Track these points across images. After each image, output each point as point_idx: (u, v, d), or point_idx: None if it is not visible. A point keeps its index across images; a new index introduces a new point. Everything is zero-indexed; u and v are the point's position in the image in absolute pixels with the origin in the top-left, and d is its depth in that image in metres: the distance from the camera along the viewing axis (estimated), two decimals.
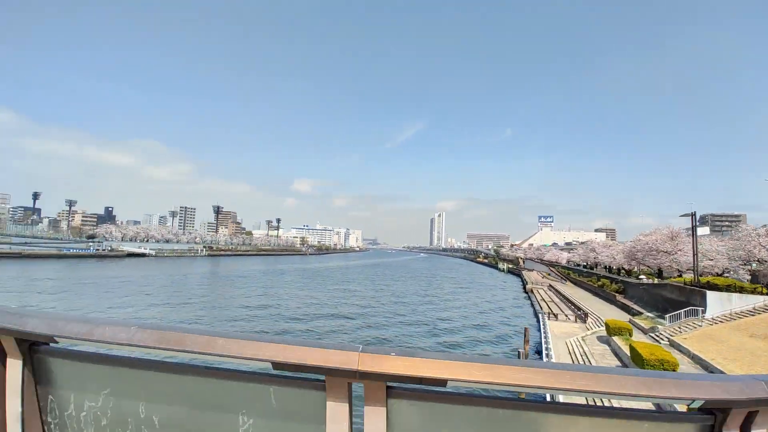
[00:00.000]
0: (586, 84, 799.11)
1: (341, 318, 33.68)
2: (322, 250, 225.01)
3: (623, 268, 51.77)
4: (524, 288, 60.93)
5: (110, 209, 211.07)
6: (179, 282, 55.03)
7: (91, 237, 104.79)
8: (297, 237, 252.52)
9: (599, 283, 49.64)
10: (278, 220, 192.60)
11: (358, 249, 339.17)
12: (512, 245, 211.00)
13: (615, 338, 23.53)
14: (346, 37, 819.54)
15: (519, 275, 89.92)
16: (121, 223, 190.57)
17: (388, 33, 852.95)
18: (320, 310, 36.21)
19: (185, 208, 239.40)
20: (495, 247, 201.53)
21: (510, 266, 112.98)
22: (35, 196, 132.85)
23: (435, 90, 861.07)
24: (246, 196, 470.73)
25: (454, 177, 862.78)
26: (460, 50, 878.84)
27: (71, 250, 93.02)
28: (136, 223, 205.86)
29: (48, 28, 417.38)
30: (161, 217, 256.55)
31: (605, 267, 62.46)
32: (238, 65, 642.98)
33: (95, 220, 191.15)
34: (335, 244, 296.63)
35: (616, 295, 41.38)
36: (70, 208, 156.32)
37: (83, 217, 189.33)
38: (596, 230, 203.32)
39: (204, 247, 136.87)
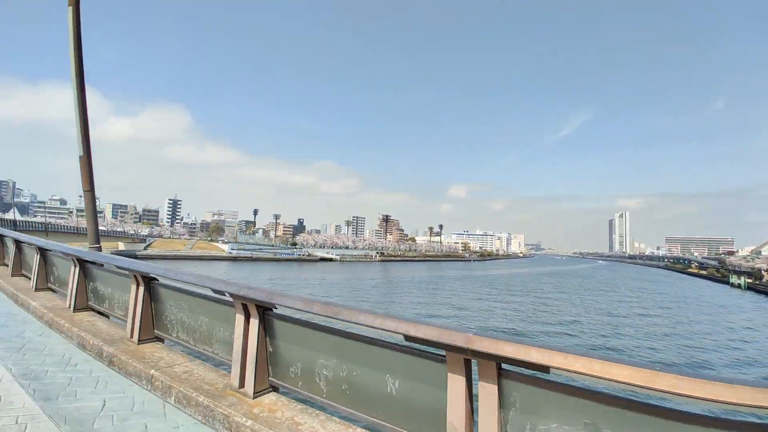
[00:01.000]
0: None
1: (560, 325, 29.87)
2: (485, 256, 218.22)
3: None
4: None
5: (301, 220, 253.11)
6: (380, 285, 59.41)
7: (294, 244, 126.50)
8: (458, 243, 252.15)
9: None
10: (440, 227, 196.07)
11: (521, 255, 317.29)
12: (729, 252, 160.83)
13: None
14: (494, 31, 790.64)
15: None
16: (309, 232, 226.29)
17: (547, 20, 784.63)
18: (530, 318, 32.87)
19: (356, 217, 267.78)
20: (715, 255, 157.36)
21: (749, 281, 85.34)
22: (255, 212, 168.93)
23: (604, 68, 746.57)
24: (404, 204, 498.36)
25: (636, 170, 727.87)
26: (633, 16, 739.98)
27: (282, 255, 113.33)
28: (317, 231, 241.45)
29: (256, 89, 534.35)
30: (337, 226, 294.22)
31: None
32: (392, 81, 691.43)
33: (291, 229, 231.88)
34: (497, 250, 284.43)
35: None
36: (276, 220, 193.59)
37: (284, 227, 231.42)
38: None
39: (376, 253, 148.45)
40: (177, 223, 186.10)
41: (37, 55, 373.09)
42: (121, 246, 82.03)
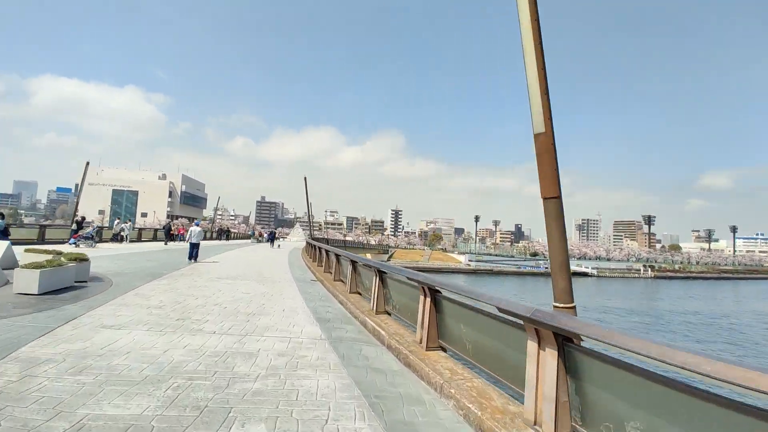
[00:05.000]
0: None
1: None
2: None
3: None
4: None
5: (519, 226, 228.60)
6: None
7: (534, 254, 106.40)
8: (753, 250, 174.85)
9: None
10: (734, 228, 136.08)
11: None
12: None
13: None
14: None
15: None
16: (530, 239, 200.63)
17: None
18: None
19: (587, 220, 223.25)
20: None
21: None
22: (476, 218, 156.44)
23: None
24: (631, 204, 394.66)
25: None
26: None
27: (526, 268, 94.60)
28: (529, 238, 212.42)
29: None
30: None
31: None
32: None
33: (509, 236, 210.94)
34: None
35: None
36: (495, 227, 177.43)
37: (500, 234, 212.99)
38: None
39: (646, 266, 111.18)
40: (399, 232, 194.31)
41: (301, 110, 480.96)
42: (369, 257, 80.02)
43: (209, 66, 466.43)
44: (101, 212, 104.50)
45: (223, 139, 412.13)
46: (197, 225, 16.68)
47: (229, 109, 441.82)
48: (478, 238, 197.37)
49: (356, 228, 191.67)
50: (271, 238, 34.92)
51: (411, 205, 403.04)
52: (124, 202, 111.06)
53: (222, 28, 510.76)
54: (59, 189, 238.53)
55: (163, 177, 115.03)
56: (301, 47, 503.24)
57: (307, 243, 23.45)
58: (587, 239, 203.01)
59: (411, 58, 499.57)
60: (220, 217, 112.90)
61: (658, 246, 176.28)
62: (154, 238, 31.75)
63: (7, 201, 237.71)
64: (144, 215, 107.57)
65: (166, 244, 28.27)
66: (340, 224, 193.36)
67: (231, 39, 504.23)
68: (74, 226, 20.49)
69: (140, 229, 32.85)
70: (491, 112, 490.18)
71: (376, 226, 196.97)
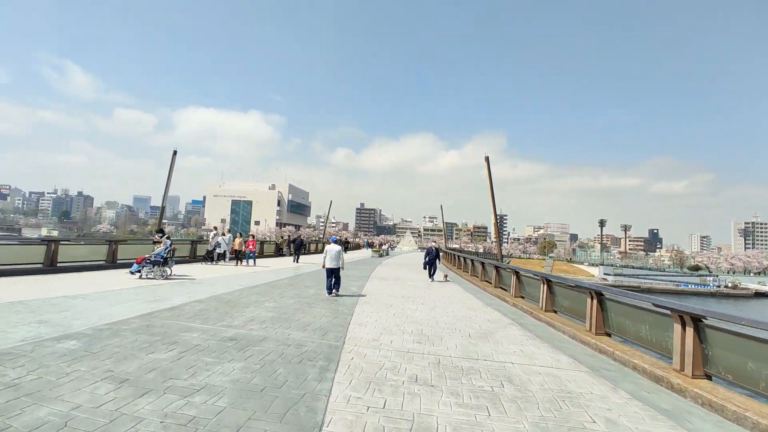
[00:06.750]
0: None
1: None
2: None
3: None
4: None
5: (655, 231, 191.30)
6: None
7: (696, 268, 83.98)
8: None
9: None
10: None
11: None
12: None
13: None
14: None
15: None
16: (667, 246, 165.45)
17: None
18: None
19: (751, 223, 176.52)
20: None
21: None
22: (602, 223, 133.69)
23: None
24: None
25: None
26: None
27: (688, 286, 74.43)
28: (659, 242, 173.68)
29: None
30: (704, 238, 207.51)
31: None
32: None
33: (642, 243, 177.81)
34: None
35: None
36: (625, 232, 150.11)
37: (629, 240, 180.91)
38: None
39: None
40: (505, 239, 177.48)
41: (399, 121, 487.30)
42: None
43: (317, 85, 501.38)
44: (223, 221, 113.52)
45: (327, 152, 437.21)
46: (334, 242, 10.57)
47: (333, 123, 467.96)
48: (600, 245, 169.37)
49: (457, 235, 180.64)
50: (432, 261, 17.03)
51: (514, 209, 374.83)
52: (240, 212, 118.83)
53: (327, 48, 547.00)
54: (194, 201, 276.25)
55: (273, 187, 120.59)
56: (404, 58, 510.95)
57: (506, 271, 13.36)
58: (752, 247, 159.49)
59: (509, 58, 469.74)
60: (323, 224, 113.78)
61: None
62: (261, 254, 25.13)
63: (156, 212, 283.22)
64: (257, 223, 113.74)
65: (296, 261, 23.25)
66: (440, 230, 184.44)
67: (337, 58, 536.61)
68: (158, 239, 13.99)
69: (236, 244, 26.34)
70: (598, 103, 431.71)
71: (479, 233, 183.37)
